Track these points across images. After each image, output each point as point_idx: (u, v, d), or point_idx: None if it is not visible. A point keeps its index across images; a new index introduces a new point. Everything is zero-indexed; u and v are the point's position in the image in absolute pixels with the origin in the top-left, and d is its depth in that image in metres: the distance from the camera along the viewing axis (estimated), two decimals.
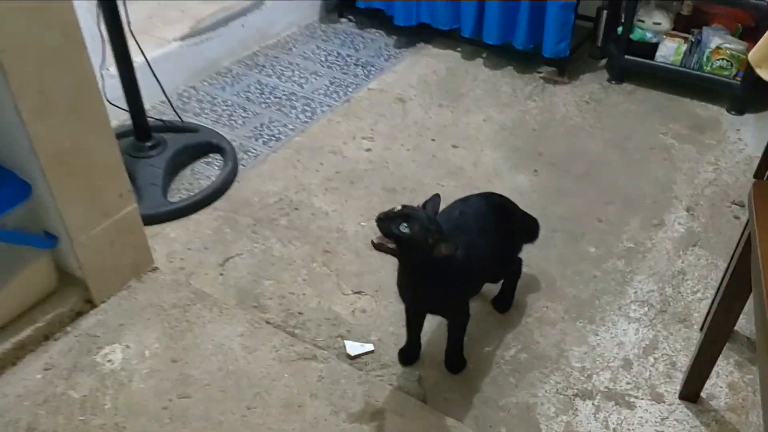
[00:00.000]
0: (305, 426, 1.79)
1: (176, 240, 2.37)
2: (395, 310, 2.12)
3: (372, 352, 2.01)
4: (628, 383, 1.94)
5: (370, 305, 2.16)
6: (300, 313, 2.14)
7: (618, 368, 1.98)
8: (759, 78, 3.04)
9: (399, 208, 1.58)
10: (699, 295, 2.20)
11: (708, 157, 2.79)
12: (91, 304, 2.09)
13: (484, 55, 3.46)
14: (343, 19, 3.80)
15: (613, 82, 3.25)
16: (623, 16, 3.17)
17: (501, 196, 2.02)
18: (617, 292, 2.21)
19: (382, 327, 2.08)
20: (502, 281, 2.12)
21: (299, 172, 2.72)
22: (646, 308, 2.16)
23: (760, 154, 2.64)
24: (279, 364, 1.96)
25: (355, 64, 3.41)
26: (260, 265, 2.30)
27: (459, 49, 3.51)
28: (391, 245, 1.56)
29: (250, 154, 2.81)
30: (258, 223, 2.47)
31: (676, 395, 1.90)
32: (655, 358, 2.01)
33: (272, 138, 2.90)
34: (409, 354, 1.98)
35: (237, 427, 1.79)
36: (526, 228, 2.10)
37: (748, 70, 2.94)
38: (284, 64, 3.41)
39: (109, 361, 1.95)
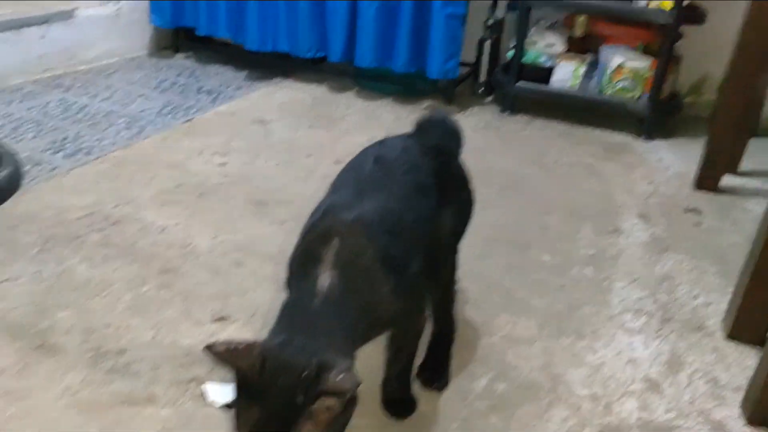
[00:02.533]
0: None
1: None
2: None
3: None
4: (668, 411, 1.24)
5: (242, 336, 1.31)
6: (122, 351, 1.23)
7: (643, 392, 1.28)
8: (665, 99, 2.82)
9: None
10: (702, 299, 1.61)
11: (636, 173, 2.35)
12: None
13: (356, 89, 2.91)
14: (180, 54, 3.10)
15: (507, 113, 2.81)
16: (513, 39, 2.81)
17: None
18: (599, 301, 1.56)
19: None
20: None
21: (120, 185, 1.87)
22: (644, 317, 1.52)
23: (688, 171, 2.33)
24: (78, 414, 1.04)
25: (197, 91, 2.67)
26: (50, 292, 1.38)
27: (324, 82, 2.93)
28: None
29: (44, 166, 1.91)
30: (50, 241, 1.56)
31: (742, 421, 1.23)
32: (688, 376, 1.34)
33: (79, 151, 2.03)
34: None
35: None
36: None
37: (654, 91, 2.65)
38: (101, 87, 2.59)
39: None
